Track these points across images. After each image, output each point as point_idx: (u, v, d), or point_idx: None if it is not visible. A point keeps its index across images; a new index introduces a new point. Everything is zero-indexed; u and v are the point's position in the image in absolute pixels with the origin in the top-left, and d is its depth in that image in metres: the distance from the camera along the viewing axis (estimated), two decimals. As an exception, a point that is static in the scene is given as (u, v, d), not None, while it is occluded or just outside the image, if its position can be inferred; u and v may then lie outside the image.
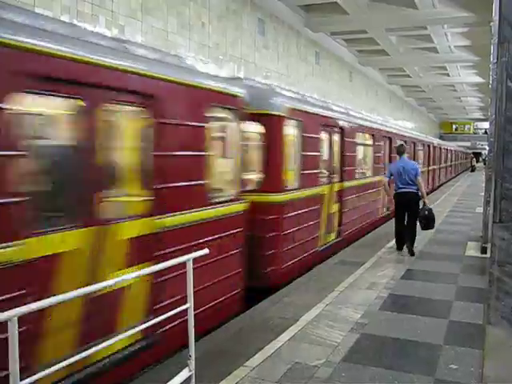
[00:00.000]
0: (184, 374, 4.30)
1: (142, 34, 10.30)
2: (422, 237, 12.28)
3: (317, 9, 17.46)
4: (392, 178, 10.50)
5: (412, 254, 10.23)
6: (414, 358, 5.26)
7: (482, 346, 2.58)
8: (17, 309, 2.76)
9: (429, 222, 10.16)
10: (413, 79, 32.00)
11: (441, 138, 55.37)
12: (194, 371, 4.35)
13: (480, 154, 69.43)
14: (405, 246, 10.51)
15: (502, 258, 2.46)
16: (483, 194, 11.19)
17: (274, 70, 16.24)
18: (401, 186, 10.21)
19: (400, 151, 10.79)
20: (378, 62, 26.30)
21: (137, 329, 4.12)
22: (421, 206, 10.28)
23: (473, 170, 56.79)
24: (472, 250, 10.92)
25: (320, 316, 6.53)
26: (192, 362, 4.35)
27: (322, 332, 5.96)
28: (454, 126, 63.87)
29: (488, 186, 9.95)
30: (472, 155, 63.06)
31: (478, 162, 65.42)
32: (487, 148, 11.40)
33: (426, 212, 10.11)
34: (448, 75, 30.56)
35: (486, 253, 10.11)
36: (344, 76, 24.03)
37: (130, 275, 4.13)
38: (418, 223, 10.23)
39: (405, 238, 10.46)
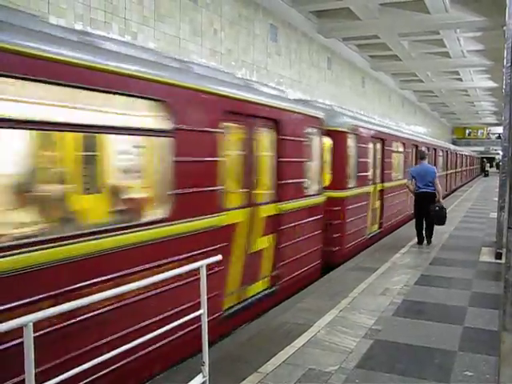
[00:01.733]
0: (198, 380, 4.31)
1: (154, 41, 10.36)
2: (436, 242, 12.28)
3: (329, 15, 17.47)
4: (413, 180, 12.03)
5: (429, 243, 12.06)
6: (429, 364, 5.22)
7: (498, 352, 2.56)
8: (32, 315, 2.79)
9: (439, 218, 11.70)
10: (425, 84, 31.87)
11: (454, 143, 55.11)
12: (207, 377, 4.35)
13: (493, 158, 68.94)
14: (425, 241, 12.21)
15: (517, 263, 2.43)
16: (497, 199, 11.14)
17: (287, 76, 16.27)
18: (421, 187, 11.80)
19: (421, 157, 12.49)
20: (390, 67, 26.23)
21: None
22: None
23: (486, 175, 56.40)
24: (486, 255, 10.84)
25: (334, 322, 6.51)
26: (206, 368, 4.35)
27: (335, 338, 5.93)
28: (467, 131, 63.55)
29: (502, 191, 9.91)
30: (484, 159, 62.72)
31: (491, 166, 64.91)
32: (501, 153, 11.47)
33: (437, 208, 11.62)
34: (461, 80, 30.40)
35: (500, 258, 10.04)
36: (356, 81, 24.00)
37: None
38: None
39: (422, 230, 12.13)
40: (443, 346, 5.72)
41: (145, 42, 10.03)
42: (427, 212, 11.64)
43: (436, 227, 12.18)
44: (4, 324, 2.66)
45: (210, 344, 4.82)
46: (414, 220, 12.64)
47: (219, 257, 4.71)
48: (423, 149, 18.62)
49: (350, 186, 10.86)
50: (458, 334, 6.08)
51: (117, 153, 5.41)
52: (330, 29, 18.16)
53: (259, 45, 14.52)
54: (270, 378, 4.88)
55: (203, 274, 4.31)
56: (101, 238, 4.26)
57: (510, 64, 4.66)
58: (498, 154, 54.17)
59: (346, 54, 21.78)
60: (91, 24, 8.88)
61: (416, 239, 12.34)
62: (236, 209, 6.45)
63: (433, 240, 12.23)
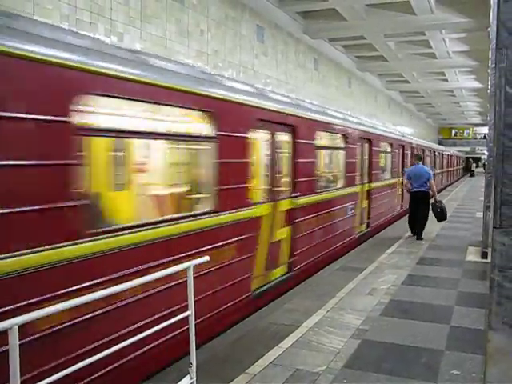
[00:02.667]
0: (185, 381, 4.29)
1: (140, 42, 10.33)
2: (423, 242, 12.36)
3: (315, 15, 17.52)
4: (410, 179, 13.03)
5: (420, 238, 12.78)
6: (416, 363, 5.24)
7: (484, 351, 2.58)
8: (17, 318, 2.75)
9: (443, 215, 13.07)
10: (411, 85, 32.06)
11: (440, 143, 55.48)
12: (195, 379, 4.33)
13: (479, 158, 69.49)
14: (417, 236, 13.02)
15: (502, 263, 2.45)
16: (483, 199, 11.24)
17: (273, 76, 16.28)
18: (416, 186, 12.77)
19: (418, 158, 13.60)
20: (376, 68, 26.35)
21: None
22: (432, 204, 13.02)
23: (472, 175, 56.80)
24: (472, 254, 10.92)
25: (321, 322, 6.51)
26: (193, 370, 4.33)
27: (323, 338, 5.94)
28: (453, 131, 64.02)
29: (487, 191, 9.98)
30: (470, 159, 63.14)
31: (477, 166, 65.39)
32: (486, 153, 11.64)
33: (439, 210, 12.94)
34: (446, 80, 30.63)
35: (486, 258, 10.12)
36: (343, 82, 24.08)
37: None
38: (428, 215, 12.90)
39: (415, 227, 13.06)
40: (430, 345, 5.74)
41: (131, 42, 10.00)
42: (421, 209, 12.74)
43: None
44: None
45: (210, 339, 5.85)
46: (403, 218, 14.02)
47: (207, 258, 4.70)
48: (409, 148, 20.03)
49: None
50: (445, 334, 6.11)
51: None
52: (317, 29, 18.21)
53: (246, 45, 14.52)
54: (258, 379, 4.87)
55: (190, 275, 4.29)
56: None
57: (494, 65, 4.71)
58: (484, 154, 54.61)
59: (333, 54, 21.85)
60: (77, 25, 8.83)
61: (409, 233, 13.52)
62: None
63: (418, 243, 12.59)
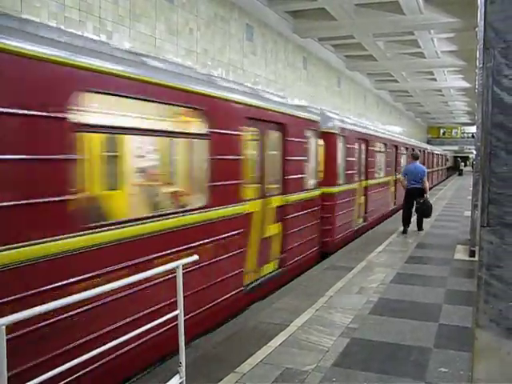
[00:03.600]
0: (174, 380, 4.29)
1: (130, 41, 10.29)
2: (411, 240, 12.44)
3: (305, 15, 17.53)
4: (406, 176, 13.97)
5: (420, 229, 14.07)
6: (405, 361, 5.28)
7: (471, 349, 2.60)
8: (4, 318, 2.74)
9: (423, 211, 13.75)
10: (400, 84, 32.17)
11: (428, 142, 55.70)
12: (184, 378, 4.33)
13: (467, 157, 69.87)
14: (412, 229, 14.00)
15: (490, 261, 2.47)
16: (471, 197, 11.34)
17: (263, 75, 16.28)
18: (412, 182, 13.66)
19: (415, 157, 14.41)
20: (365, 67, 26.42)
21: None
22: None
23: (460, 174, 57.09)
24: (460, 253, 11.00)
25: (310, 321, 6.53)
26: (182, 369, 4.33)
27: (312, 337, 5.96)
28: (441, 131, 64.33)
29: (475, 190, 10.06)
30: (459, 159, 63.48)
31: (466, 165, 65.74)
32: (474, 152, 11.84)
33: (425, 207, 13.66)
34: (435, 80, 30.76)
35: (474, 256, 10.19)
36: (332, 81, 24.12)
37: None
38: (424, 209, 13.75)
39: (408, 221, 13.93)
40: (419, 343, 5.78)
41: (120, 41, 9.96)
42: (416, 203, 13.68)
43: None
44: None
45: (195, 338, 5.94)
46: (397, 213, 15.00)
47: (196, 257, 4.71)
48: (402, 148, 21.64)
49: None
50: (433, 331, 6.16)
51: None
52: (306, 29, 18.22)
53: (235, 44, 14.51)
54: (247, 378, 4.88)
55: (179, 274, 4.29)
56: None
57: (482, 65, 4.76)
58: (472, 153, 54.93)
59: (322, 54, 21.88)
60: (65, 23, 8.78)
61: (401, 228, 14.07)
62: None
63: (408, 238, 12.99)
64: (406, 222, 13.85)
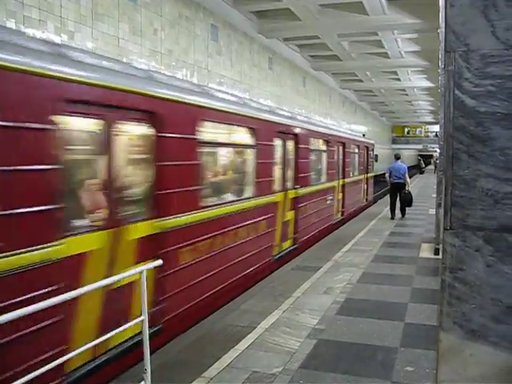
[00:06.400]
0: (140, 387, 4.22)
1: (92, 41, 10.12)
2: (377, 239, 12.55)
3: (269, 15, 17.53)
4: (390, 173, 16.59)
5: (403, 215, 16.88)
6: (372, 362, 5.30)
7: (436, 351, 2.62)
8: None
9: (406, 200, 16.36)
10: (365, 84, 32.49)
11: (393, 141, 56.40)
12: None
13: (431, 156, 70.96)
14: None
15: (453, 264, 2.48)
16: (435, 196, 11.51)
17: (228, 76, 16.22)
18: (395, 178, 16.34)
19: (397, 157, 17.14)
20: (330, 67, 26.58)
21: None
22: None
23: (422, 172, 57.88)
24: (426, 251, 11.14)
25: (277, 323, 6.52)
26: (148, 376, 4.26)
27: (279, 339, 5.95)
28: (406, 130, 65.24)
29: (439, 188, 10.21)
30: (419, 157, 64.42)
31: (429, 164, 66.69)
32: (438, 151, 12.36)
33: (405, 192, 16.30)
34: (399, 80, 31.15)
35: (438, 254, 10.33)
36: (297, 81, 24.20)
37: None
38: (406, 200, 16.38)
39: (394, 209, 16.75)
40: (385, 342, 5.82)
41: (82, 41, 9.78)
42: (399, 195, 16.36)
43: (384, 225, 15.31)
44: None
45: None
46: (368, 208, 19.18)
47: (160, 261, 4.64)
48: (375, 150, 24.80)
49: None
50: (400, 331, 6.22)
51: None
52: (271, 29, 18.23)
53: (200, 45, 14.41)
54: (215, 383, 4.83)
55: (143, 280, 4.22)
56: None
57: (443, 67, 4.81)
58: (436, 151, 55.79)
59: (287, 54, 21.93)
60: (24, 22, 8.58)
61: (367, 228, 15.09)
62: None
63: (374, 237, 13.15)
64: (393, 210, 16.70)
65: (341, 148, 16.35)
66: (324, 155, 14.32)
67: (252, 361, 5.33)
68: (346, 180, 17.00)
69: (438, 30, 8.09)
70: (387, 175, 16.86)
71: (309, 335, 6.07)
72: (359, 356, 5.46)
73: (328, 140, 14.34)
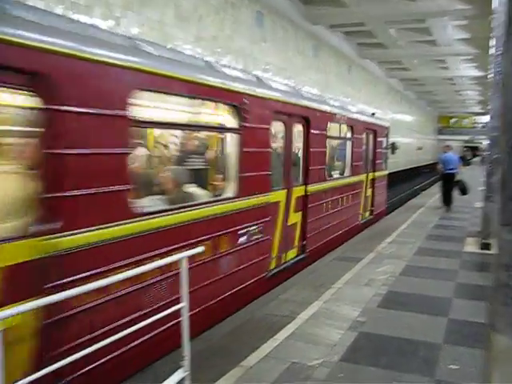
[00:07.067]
0: (179, 374, 4.21)
1: (138, 26, 10.15)
2: (420, 232, 12.28)
3: (315, 1, 17.30)
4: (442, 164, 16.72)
5: (449, 207, 16.76)
6: (414, 357, 5.16)
7: (487, 353, 2.48)
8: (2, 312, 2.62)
9: (465, 190, 16.77)
10: (412, 72, 31.85)
11: (439, 131, 55.23)
12: (189, 372, 4.25)
13: (477, 148, 69.15)
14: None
15: (509, 261, 2.34)
16: (481, 188, 11.19)
17: (273, 63, 16.10)
18: (447, 169, 16.54)
19: (449, 148, 17.46)
20: (376, 55, 26.14)
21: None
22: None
23: (468, 164, 56.44)
24: (471, 245, 10.84)
25: (317, 314, 6.43)
26: (187, 362, 4.25)
27: (319, 330, 5.86)
28: (452, 120, 63.71)
29: (488, 181, 9.88)
30: (465, 148, 62.80)
31: (475, 156, 64.97)
32: (484, 142, 11.80)
33: (463, 186, 16.77)
34: (447, 68, 30.41)
35: (485, 249, 10.04)
36: (342, 69, 23.88)
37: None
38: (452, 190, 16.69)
39: (447, 199, 16.80)
40: (428, 338, 5.66)
41: (128, 27, 9.81)
42: (450, 186, 16.53)
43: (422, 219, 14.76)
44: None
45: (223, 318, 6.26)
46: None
47: (202, 248, 4.63)
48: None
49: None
50: (443, 326, 6.04)
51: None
52: (317, 15, 17.99)
53: (245, 31, 14.32)
54: (253, 372, 4.79)
55: (183, 266, 4.19)
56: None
57: (500, 52, 4.58)
58: (481, 143, 54.36)
59: (333, 41, 21.64)
60: (72, 8, 8.65)
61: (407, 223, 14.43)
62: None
63: (417, 230, 12.83)
64: (445, 200, 16.81)
65: (371, 137, 14.02)
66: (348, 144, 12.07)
67: (291, 351, 5.26)
68: (377, 174, 14.84)
69: (491, 16, 7.78)
70: (439, 166, 17.00)
71: (350, 327, 5.95)
72: (401, 351, 5.33)
73: (352, 126, 11.91)
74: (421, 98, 47.25)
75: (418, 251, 10.20)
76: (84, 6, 8.87)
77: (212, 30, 12.70)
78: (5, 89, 3.71)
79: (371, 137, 14.14)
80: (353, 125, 11.98)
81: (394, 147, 17.62)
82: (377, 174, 14.72)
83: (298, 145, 9.05)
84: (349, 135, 12.02)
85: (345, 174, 11.93)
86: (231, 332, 5.88)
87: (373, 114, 15.84)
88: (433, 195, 21.05)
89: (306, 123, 9.03)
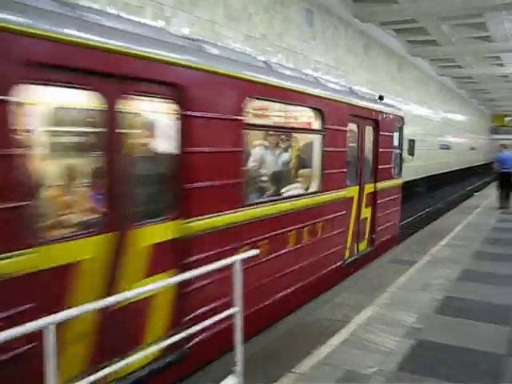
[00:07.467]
0: (231, 380, 4.11)
1: (188, 26, 10.13)
2: (477, 234, 11.86)
3: (366, -2, 16.99)
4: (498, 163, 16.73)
5: (506, 208, 16.32)
6: (476, 369, 4.88)
7: None
8: (52, 316, 2.60)
9: None
10: (465, 70, 30.95)
11: (493, 131, 53.68)
12: (241, 377, 4.15)
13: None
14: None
15: None
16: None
17: (323, 62, 15.88)
18: (503, 168, 16.41)
19: (505, 147, 17.09)
20: (428, 53, 25.49)
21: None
22: None
23: None
24: (532, 250, 10.35)
25: (372, 319, 6.22)
26: (239, 369, 4.14)
27: (374, 337, 5.66)
28: (507, 119, 61.66)
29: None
30: None
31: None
32: None
33: None
34: (502, 65, 29.41)
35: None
36: (393, 68, 23.42)
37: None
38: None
39: (504, 199, 16.55)
40: (489, 348, 5.37)
41: (179, 26, 9.81)
42: (507, 186, 16.35)
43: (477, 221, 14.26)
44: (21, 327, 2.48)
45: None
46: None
47: (256, 251, 4.53)
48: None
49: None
50: (505, 336, 5.73)
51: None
52: (367, 13, 17.64)
53: (294, 30, 14.16)
54: (306, 379, 4.65)
55: (237, 269, 4.09)
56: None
57: None
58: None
59: (383, 39, 21.23)
60: (124, 9, 8.69)
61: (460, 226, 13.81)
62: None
63: (473, 232, 12.45)
64: (504, 202, 16.45)
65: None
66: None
67: (345, 358, 5.08)
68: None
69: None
70: (495, 165, 17.05)
71: (406, 334, 5.72)
72: (461, 361, 5.06)
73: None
74: (473, 96, 45.95)
75: (476, 255, 9.81)
76: (136, 6, 8.90)
77: (261, 28, 12.60)
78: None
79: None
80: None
81: (411, 146, 12.89)
82: (380, 185, 10.07)
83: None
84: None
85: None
86: (283, 335, 5.76)
87: (380, 97, 10.68)
88: (488, 196, 20.39)
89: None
